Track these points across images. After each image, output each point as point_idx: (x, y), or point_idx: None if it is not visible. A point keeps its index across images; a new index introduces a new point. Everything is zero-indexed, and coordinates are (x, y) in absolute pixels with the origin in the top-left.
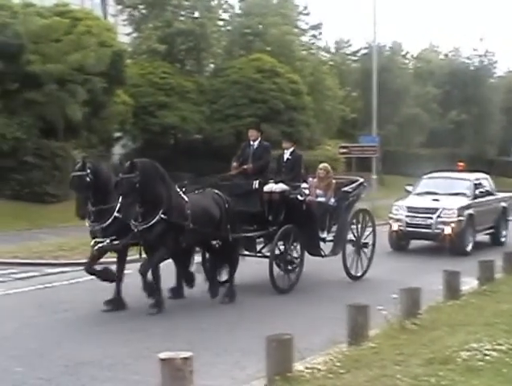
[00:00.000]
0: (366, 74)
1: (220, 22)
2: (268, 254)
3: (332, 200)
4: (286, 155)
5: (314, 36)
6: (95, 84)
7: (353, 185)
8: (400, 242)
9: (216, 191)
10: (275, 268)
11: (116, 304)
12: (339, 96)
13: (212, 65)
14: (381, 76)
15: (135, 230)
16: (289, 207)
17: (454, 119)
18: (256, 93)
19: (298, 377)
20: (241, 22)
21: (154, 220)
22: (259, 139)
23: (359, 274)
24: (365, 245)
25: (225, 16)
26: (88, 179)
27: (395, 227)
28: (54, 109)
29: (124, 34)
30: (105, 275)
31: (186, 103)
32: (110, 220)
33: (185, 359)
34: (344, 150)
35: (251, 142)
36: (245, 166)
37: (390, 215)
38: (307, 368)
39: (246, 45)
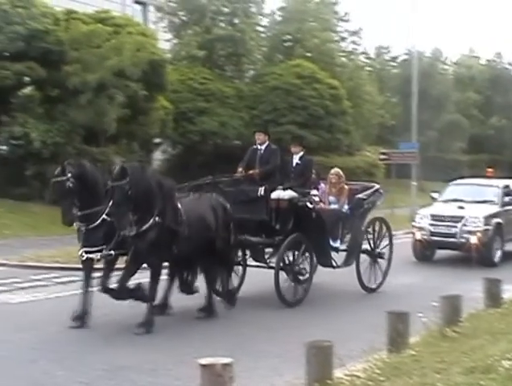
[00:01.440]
0: (406, 80)
1: (260, 28)
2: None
3: (346, 207)
4: (296, 160)
5: (354, 42)
6: (134, 90)
7: (368, 192)
8: (424, 252)
9: (214, 195)
10: (286, 279)
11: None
12: (378, 101)
13: (251, 71)
14: (421, 82)
15: (127, 235)
16: (298, 215)
17: (495, 125)
18: (296, 99)
19: (337, 384)
20: (280, 28)
21: (149, 224)
22: (267, 142)
23: (374, 286)
24: (381, 256)
25: (265, 22)
26: (69, 184)
27: (419, 236)
28: (93, 115)
29: (164, 41)
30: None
31: (225, 108)
32: (98, 222)
33: (225, 365)
34: (384, 156)
35: (258, 146)
36: (251, 171)
37: (414, 224)
38: (346, 375)
39: (286, 51)
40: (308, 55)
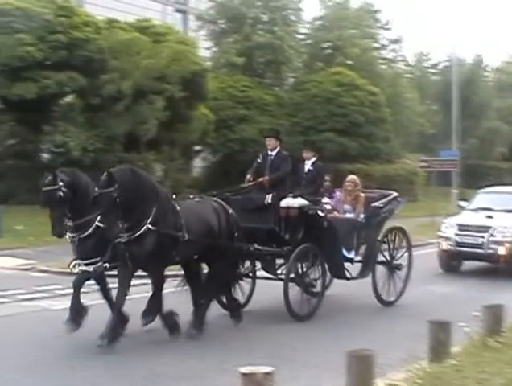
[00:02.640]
0: (447, 87)
1: (300, 36)
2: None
3: (362, 216)
4: (307, 166)
5: (393, 50)
6: (172, 92)
7: (385, 200)
8: (451, 262)
9: (215, 199)
10: (298, 292)
11: None
12: (418, 110)
13: (291, 79)
14: (462, 89)
15: (120, 242)
16: (308, 224)
17: None
18: (335, 107)
19: None
20: (321, 35)
21: (142, 231)
22: (278, 148)
23: (392, 299)
24: (399, 267)
25: (305, 30)
26: (61, 194)
27: (444, 246)
28: (132, 122)
29: (204, 49)
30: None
31: (265, 116)
32: (90, 231)
33: (266, 373)
34: (425, 164)
35: (269, 152)
36: (260, 179)
37: (439, 233)
38: (387, 385)
39: (326, 59)
40: (348, 62)
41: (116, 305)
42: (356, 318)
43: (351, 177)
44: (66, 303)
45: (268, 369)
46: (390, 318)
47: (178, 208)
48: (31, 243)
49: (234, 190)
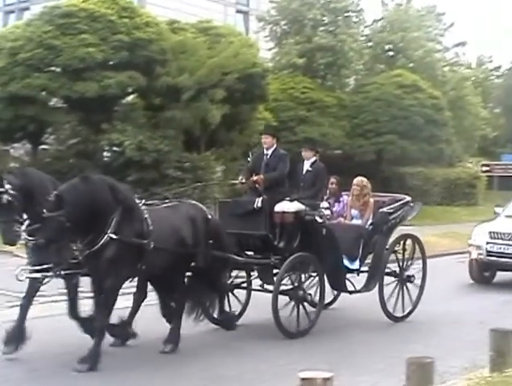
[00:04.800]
0: (509, 90)
1: (362, 38)
2: (285, 288)
3: (369, 223)
4: (307, 166)
5: (457, 53)
6: (233, 88)
7: (395, 205)
8: (482, 273)
9: (194, 203)
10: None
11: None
12: (482, 114)
13: (352, 81)
14: None
15: (79, 255)
16: (305, 231)
17: None
18: (397, 109)
19: None
20: (382, 37)
21: (102, 241)
22: (274, 146)
23: (401, 314)
24: (410, 279)
25: (366, 31)
26: (8, 198)
27: (474, 255)
28: (195, 116)
29: (265, 50)
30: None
31: (326, 118)
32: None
33: (326, 379)
34: (486, 168)
35: (264, 151)
36: (255, 177)
37: (470, 242)
38: None
39: (388, 61)
40: (410, 65)
41: (99, 326)
42: (415, 324)
43: (358, 179)
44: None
45: (328, 375)
46: (451, 325)
47: (146, 214)
48: None
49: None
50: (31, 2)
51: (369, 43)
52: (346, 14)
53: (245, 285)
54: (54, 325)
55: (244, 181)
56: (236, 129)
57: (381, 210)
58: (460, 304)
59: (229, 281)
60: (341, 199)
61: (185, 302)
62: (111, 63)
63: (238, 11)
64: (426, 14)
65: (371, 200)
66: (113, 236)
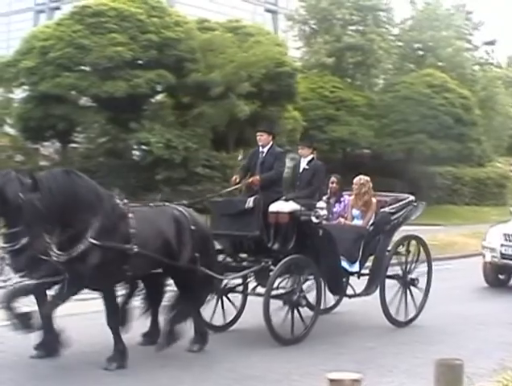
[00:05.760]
0: None
1: (390, 37)
2: (280, 292)
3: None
4: (303, 164)
5: (487, 52)
6: (259, 79)
7: (398, 204)
8: (497, 276)
9: (180, 209)
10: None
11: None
12: (510, 112)
13: (382, 80)
14: None
15: (57, 261)
16: (301, 232)
17: None
18: (426, 109)
19: None
20: (412, 36)
21: (83, 246)
22: (271, 144)
23: (404, 319)
24: (414, 282)
25: (396, 30)
26: None
27: (488, 257)
28: (224, 113)
29: (294, 49)
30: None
31: (355, 117)
32: (25, 241)
33: (354, 380)
34: None
35: (260, 148)
36: (250, 179)
37: (483, 244)
38: None
39: (417, 60)
40: (440, 64)
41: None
42: (445, 326)
43: (358, 178)
44: None
45: (356, 376)
46: (479, 326)
47: (129, 216)
48: None
49: (219, 194)
50: (62, 1)
51: (398, 43)
52: (375, 13)
53: (240, 288)
54: (84, 323)
55: (238, 181)
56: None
57: (382, 210)
58: (486, 305)
59: (222, 285)
60: (342, 199)
61: (200, 300)
62: (140, 62)
63: (267, 10)
64: (455, 12)
65: (373, 200)
66: (94, 241)
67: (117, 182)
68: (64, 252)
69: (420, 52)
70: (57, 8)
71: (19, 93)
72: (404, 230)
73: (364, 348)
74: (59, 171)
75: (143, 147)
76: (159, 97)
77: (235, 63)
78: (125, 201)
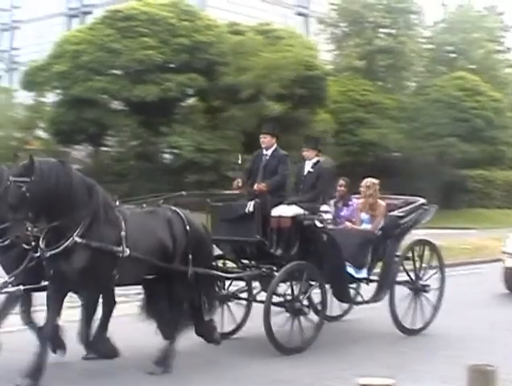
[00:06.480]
0: None
1: (422, 40)
2: (283, 300)
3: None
4: (308, 167)
5: None
6: (289, 81)
7: (407, 208)
8: None
9: (174, 209)
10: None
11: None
12: None
13: (413, 83)
14: None
15: (41, 257)
16: (304, 237)
17: None
18: (458, 112)
19: None
20: (443, 38)
21: (67, 243)
22: (274, 146)
23: (416, 327)
24: (425, 288)
25: (427, 33)
26: None
27: (509, 263)
28: (251, 119)
29: (325, 52)
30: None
31: (385, 120)
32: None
33: None
34: None
35: (263, 151)
36: (256, 186)
37: (503, 249)
38: None
39: (449, 62)
40: (471, 66)
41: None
42: (477, 331)
43: (366, 180)
44: None
45: (389, 381)
46: (507, 332)
47: (121, 218)
48: None
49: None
50: (94, 6)
51: (430, 45)
52: (406, 16)
53: (244, 294)
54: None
55: (241, 185)
56: (296, 133)
57: (390, 213)
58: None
59: (224, 291)
60: (351, 203)
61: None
62: (171, 65)
63: (298, 13)
64: (486, 14)
65: (382, 203)
66: (79, 240)
67: (148, 185)
68: (49, 247)
69: (452, 55)
70: (89, 13)
71: (51, 97)
72: (430, 234)
73: (396, 353)
74: (58, 161)
75: (174, 150)
76: (190, 101)
77: (265, 65)
78: (118, 202)
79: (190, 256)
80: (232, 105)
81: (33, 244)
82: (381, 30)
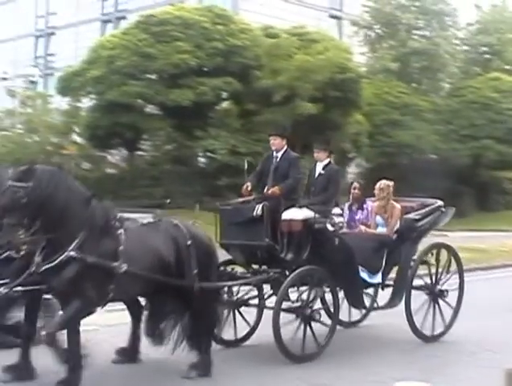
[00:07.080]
0: None
1: (456, 41)
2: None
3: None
4: (319, 169)
5: None
6: (323, 84)
7: (424, 211)
8: None
9: (176, 222)
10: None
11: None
12: None
13: (447, 85)
14: None
15: (36, 271)
16: (315, 241)
17: None
18: (494, 114)
19: None
20: (478, 39)
21: (62, 257)
22: (285, 148)
23: (432, 333)
24: (444, 294)
25: (461, 34)
26: None
27: None
28: (285, 121)
29: (359, 54)
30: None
31: (421, 122)
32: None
33: None
34: None
35: (274, 153)
36: (270, 190)
37: None
38: None
39: (484, 63)
40: (507, 67)
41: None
42: (508, 334)
43: (380, 182)
44: None
45: (425, 385)
46: None
47: (120, 231)
48: None
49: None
50: (128, 11)
51: (464, 46)
52: (440, 17)
53: (255, 301)
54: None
55: (250, 188)
56: (330, 135)
57: (406, 216)
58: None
59: (235, 297)
60: (365, 206)
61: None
62: (206, 69)
63: (332, 16)
64: None
65: (397, 206)
66: (74, 254)
67: (183, 188)
68: (44, 261)
69: (486, 56)
70: (123, 18)
71: (86, 102)
72: (467, 236)
73: (432, 356)
74: (54, 168)
75: (208, 154)
76: (225, 104)
77: (299, 67)
78: (118, 215)
79: (195, 271)
80: (266, 108)
81: (22, 253)
82: (414, 31)
